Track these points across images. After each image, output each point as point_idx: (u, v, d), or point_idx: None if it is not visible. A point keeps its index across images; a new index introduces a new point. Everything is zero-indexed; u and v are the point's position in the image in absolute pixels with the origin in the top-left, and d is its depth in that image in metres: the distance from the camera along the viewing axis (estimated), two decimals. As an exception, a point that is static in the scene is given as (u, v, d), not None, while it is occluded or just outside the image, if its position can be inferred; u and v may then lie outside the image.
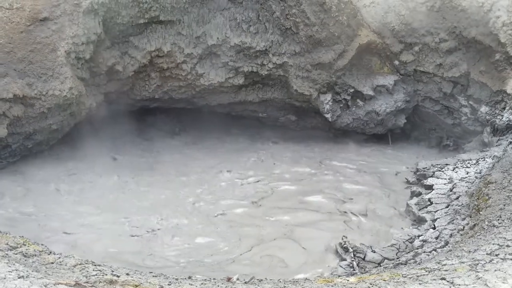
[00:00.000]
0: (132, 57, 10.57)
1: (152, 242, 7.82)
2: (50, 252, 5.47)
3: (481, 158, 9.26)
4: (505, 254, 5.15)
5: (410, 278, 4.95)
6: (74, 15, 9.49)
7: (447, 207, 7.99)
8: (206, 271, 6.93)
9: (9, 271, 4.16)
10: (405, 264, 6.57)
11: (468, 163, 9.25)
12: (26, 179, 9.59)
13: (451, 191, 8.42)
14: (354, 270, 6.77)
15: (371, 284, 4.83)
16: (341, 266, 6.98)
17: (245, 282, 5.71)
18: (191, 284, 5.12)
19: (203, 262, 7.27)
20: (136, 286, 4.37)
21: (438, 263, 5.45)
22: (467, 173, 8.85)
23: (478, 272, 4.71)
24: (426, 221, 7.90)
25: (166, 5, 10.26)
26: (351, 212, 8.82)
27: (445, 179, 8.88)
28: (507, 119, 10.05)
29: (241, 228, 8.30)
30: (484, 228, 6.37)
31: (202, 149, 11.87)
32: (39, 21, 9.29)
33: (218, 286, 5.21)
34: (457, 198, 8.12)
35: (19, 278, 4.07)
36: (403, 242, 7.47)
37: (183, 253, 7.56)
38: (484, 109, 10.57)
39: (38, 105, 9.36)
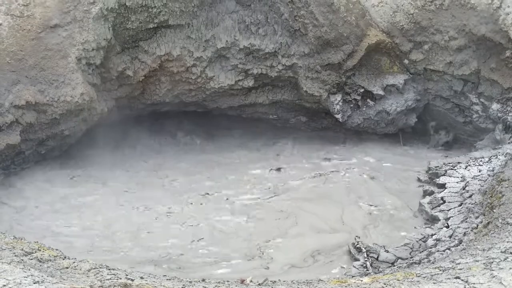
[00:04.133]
0: (142, 61, 10.62)
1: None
2: (65, 257, 5.50)
3: (494, 156, 9.20)
4: (520, 252, 5.12)
5: (424, 277, 4.94)
6: (84, 21, 9.56)
7: (460, 205, 7.95)
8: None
9: (24, 277, 4.20)
10: (419, 264, 6.55)
11: (481, 161, 9.19)
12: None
13: (464, 189, 8.38)
14: (367, 270, 6.76)
15: (385, 284, 4.83)
16: (354, 267, 6.97)
17: (259, 284, 5.72)
18: (205, 287, 5.14)
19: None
20: (151, 289, 4.39)
21: (452, 262, 5.44)
22: (479, 171, 8.80)
23: (492, 270, 4.69)
24: (439, 220, 7.87)
25: (175, 9, 10.29)
26: (364, 211, 8.81)
27: (458, 177, 8.84)
28: (519, 116, 9.99)
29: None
30: (498, 226, 6.33)
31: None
32: (50, 28, 9.38)
33: (232, 288, 5.23)
34: (470, 196, 8.08)
35: (34, 283, 4.10)
36: (417, 241, 7.45)
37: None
38: (495, 106, 10.49)
39: (50, 111, 9.44)
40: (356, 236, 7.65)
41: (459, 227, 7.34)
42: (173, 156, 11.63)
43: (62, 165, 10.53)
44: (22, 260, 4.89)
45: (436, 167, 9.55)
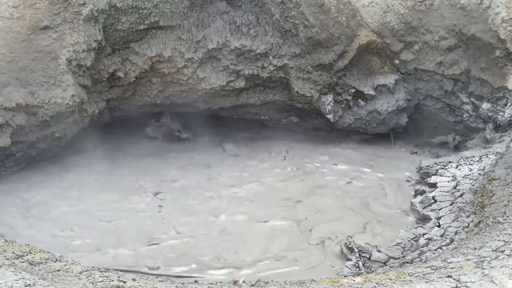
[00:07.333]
0: (133, 63, 10.58)
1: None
2: (56, 260, 5.48)
3: (484, 155, 9.23)
4: (511, 250, 5.16)
5: (416, 276, 4.96)
6: (74, 23, 9.51)
7: (451, 204, 7.98)
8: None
9: (15, 280, 4.18)
10: (411, 263, 6.57)
11: (471, 160, 9.23)
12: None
13: (455, 188, 8.42)
14: (360, 270, 6.78)
15: (377, 283, 4.84)
16: (346, 266, 6.99)
17: (251, 285, 5.72)
18: (198, 288, 5.14)
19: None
20: (143, 291, 4.38)
21: (444, 261, 5.46)
22: (470, 170, 8.83)
23: (484, 269, 4.72)
24: (430, 219, 7.89)
25: (165, 11, 10.27)
26: (355, 211, 8.83)
27: (449, 176, 8.87)
28: (509, 115, 10.02)
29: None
30: (489, 225, 6.37)
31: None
32: (40, 29, 9.32)
33: (225, 289, 5.23)
34: (461, 195, 8.11)
35: (26, 286, 4.09)
36: (408, 240, 7.47)
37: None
38: (485, 105, 10.54)
39: (41, 113, 9.39)
40: (348, 236, 7.67)
41: (450, 226, 7.37)
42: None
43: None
44: (13, 263, 4.86)
45: (427, 166, 9.56)
